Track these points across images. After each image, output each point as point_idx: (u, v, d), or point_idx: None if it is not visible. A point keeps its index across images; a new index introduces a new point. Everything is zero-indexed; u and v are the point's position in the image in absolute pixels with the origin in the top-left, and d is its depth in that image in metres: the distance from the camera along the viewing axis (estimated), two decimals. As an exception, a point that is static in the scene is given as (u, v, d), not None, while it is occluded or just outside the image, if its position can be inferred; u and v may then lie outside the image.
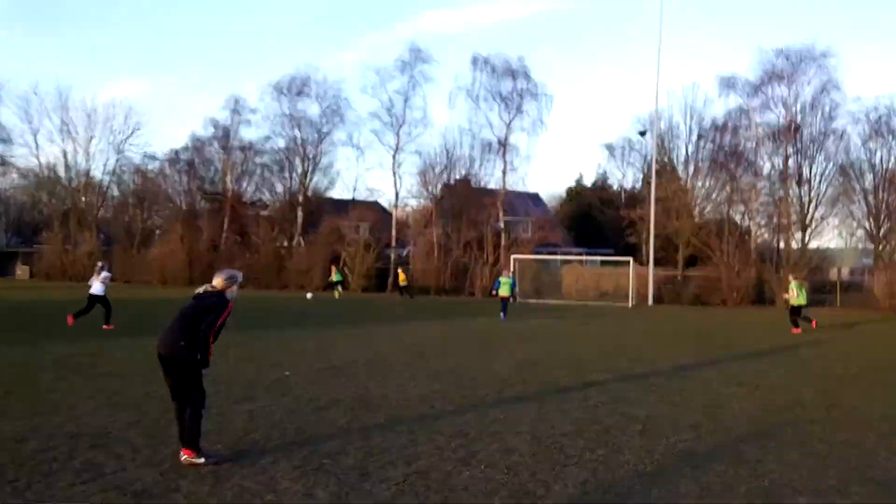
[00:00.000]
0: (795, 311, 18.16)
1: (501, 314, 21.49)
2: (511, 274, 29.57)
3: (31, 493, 4.46)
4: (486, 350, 12.97)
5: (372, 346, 13.09)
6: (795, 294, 18.15)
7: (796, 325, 17.97)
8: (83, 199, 51.83)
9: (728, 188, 38.32)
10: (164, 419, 6.40)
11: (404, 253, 46.34)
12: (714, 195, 41.30)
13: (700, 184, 41.87)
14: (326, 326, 17.18)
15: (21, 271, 49.95)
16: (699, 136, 42.87)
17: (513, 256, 34.80)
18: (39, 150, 52.56)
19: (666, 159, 45.78)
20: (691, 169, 42.79)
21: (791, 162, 36.62)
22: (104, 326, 15.29)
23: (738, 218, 39.23)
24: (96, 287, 16.19)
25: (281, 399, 7.89)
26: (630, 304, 31.56)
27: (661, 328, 19.31)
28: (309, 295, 31.87)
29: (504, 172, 42.54)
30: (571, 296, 36.17)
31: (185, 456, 5.22)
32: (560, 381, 9.55)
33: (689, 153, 43.49)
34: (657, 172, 52.08)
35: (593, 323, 20.73)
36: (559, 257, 40.19)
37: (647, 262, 34.64)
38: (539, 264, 37.75)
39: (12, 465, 5.02)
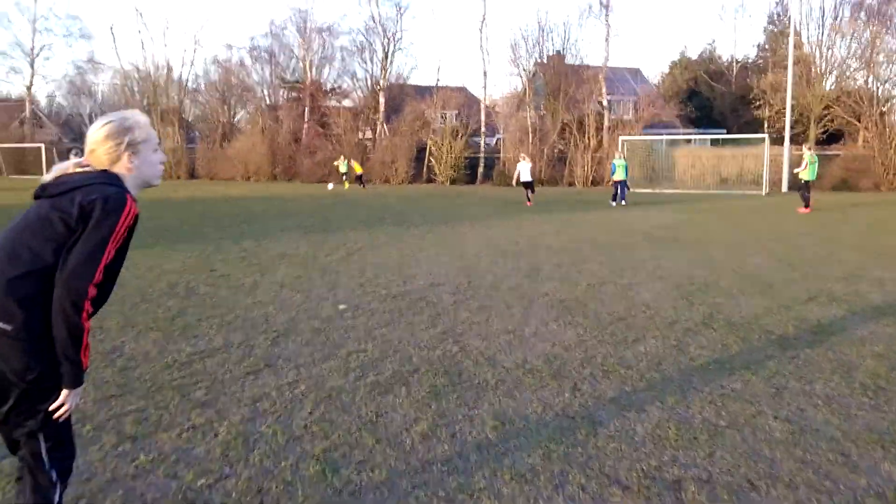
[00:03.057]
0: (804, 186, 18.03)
1: (612, 201, 20.99)
2: (623, 157, 25.62)
3: None
4: (620, 262, 9.43)
5: (463, 258, 9.82)
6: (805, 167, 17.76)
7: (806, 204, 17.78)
8: (165, 93, 50.11)
9: (878, 44, 31.25)
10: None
11: (493, 142, 42.32)
12: (859, 55, 34.26)
13: (839, 43, 34.74)
14: (406, 227, 14.02)
15: (110, 170, 49.42)
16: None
17: (621, 138, 30.22)
18: (117, 44, 50.94)
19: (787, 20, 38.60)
20: (827, 23, 35.49)
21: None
22: (527, 203, 20.26)
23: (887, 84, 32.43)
24: (525, 174, 20.88)
25: (320, 366, 4.80)
26: (764, 192, 26.79)
27: (829, 223, 15.05)
28: (330, 186, 31.32)
29: (607, 39, 37.02)
30: (686, 183, 31.63)
31: None
32: (765, 322, 5.98)
33: (824, 6, 36.07)
34: (780, 35, 44.88)
35: (734, 217, 16.63)
36: (664, 137, 35.08)
37: (783, 139, 29.25)
38: (648, 147, 33.00)
39: None
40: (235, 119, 51.33)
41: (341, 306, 6.65)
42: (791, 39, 29.12)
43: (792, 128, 29.34)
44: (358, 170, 32.62)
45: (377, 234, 12.73)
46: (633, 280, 8.00)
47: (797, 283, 7.85)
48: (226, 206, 20.70)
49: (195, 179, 43.51)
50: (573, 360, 4.94)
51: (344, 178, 32.54)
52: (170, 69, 49.90)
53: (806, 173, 17.87)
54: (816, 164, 18.04)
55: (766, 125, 40.23)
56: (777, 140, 30.89)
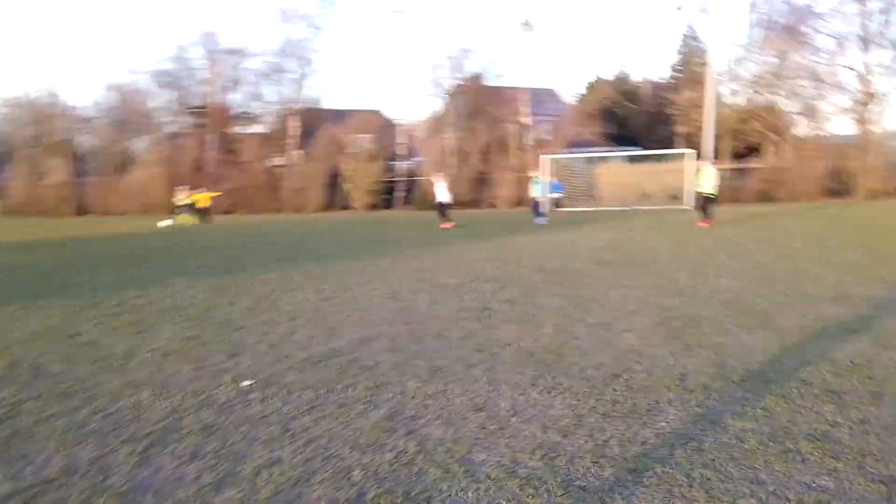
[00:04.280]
0: (708, 201, 17.55)
1: (536, 218, 20.34)
2: (555, 179, 24.97)
3: None
4: (579, 294, 8.11)
5: (396, 298, 8.26)
6: (708, 181, 17.59)
7: (710, 218, 17.40)
8: (52, 123, 46.06)
9: (792, 59, 31.92)
10: None
11: (411, 165, 41.06)
12: (771, 71, 34.98)
13: (751, 61, 35.46)
14: (323, 263, 12.35)
15: (-10, 208, 44.96)
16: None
17: (542, 156, 29.52)
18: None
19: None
20: (739, 42, 36.26)
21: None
22: (441, 226, 19.25)
23: (793, 101, 33.14)
24: (442, 195, 20.19)
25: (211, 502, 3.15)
26: (691, 206, 26.53)
27: (772, 235, 14.40)
28: (162, 223, 25.94)
29: (528, 59, 36.54)
30: (608, 200, 31.27)
31: None
32: (792, 368, 4.73)
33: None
34: (690, 56, 45.90)
35: (673, 233, 15.81)
36: (579, 155, 34.73)
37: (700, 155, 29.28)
38: (571, 166, 32.51)
39: None
40: (133, 149, 47.99)
41: (245, 383, 4.97)
42: (710, 57, 29.36)
43: (697, 145, 29.42)
44: (207, 202, 28.34)
45: (290, 273, 10.98)
46: (605, 317, 6.66)
47: (790, 308, 6.73)
48: (112, 245, 18.33)
49: (85, 216, 40.11)
50: (581, 453, 3.47)
51: (178, 211, 27.99)
52: (55, 97, 46.00)
53: (713, 188, 17.84)
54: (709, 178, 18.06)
55: (681, 142, 40.81)
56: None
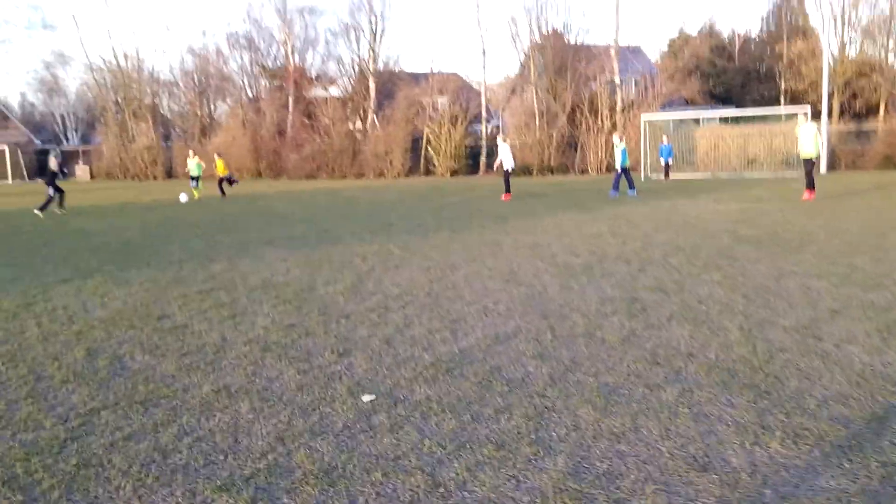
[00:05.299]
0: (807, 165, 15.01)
1: (612, 191, 17.80)
2: (665, 141, 22.91)
3: None
4: (743, 281, 6.67)
5: (518, 281, 7.02)
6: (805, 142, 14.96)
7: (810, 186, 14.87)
8: (137, 86, 46.74)
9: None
10: None
11: (490, 128, 39.51)
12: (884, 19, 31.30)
13: (862, 8, 31.72)
14: (421, 233, 11.25)
15: (81, 171, 46.24)
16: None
17: (643, 116, 27.46)
18: (82, 35, 47.63)
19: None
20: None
21: None
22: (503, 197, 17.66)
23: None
24: (507, 160, 18.05)
25: None
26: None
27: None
28: (183, 197, 20.95)
29: (617, 10, 34.26)
30: (709, 165, 28.95)
31: None
32: None
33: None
34: (786, 3, 42.20)
35: (804, 205, 13.93)
36: (670, 115, 32.07)
37: (819, 112, 26.55)
38: (666, 128, 30.26)
39: None
40: (216, 113, 48.37)
41: (366, 398, 3.88)
42: None
43: (829, 98, 26.58)
44: (222, 171, 23.58)
45: (388, 244, 9.93)
46: (802, 318, 5.23)
47: None
48: (200, 209, 17.85)
49: (172, 179, 40.59)
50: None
51: (195, 183, 23.06)
52: (140, 59, 46.61)
53: (806, 151, 15.13)
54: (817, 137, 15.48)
55: (781, 100, 37.65)
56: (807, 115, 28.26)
